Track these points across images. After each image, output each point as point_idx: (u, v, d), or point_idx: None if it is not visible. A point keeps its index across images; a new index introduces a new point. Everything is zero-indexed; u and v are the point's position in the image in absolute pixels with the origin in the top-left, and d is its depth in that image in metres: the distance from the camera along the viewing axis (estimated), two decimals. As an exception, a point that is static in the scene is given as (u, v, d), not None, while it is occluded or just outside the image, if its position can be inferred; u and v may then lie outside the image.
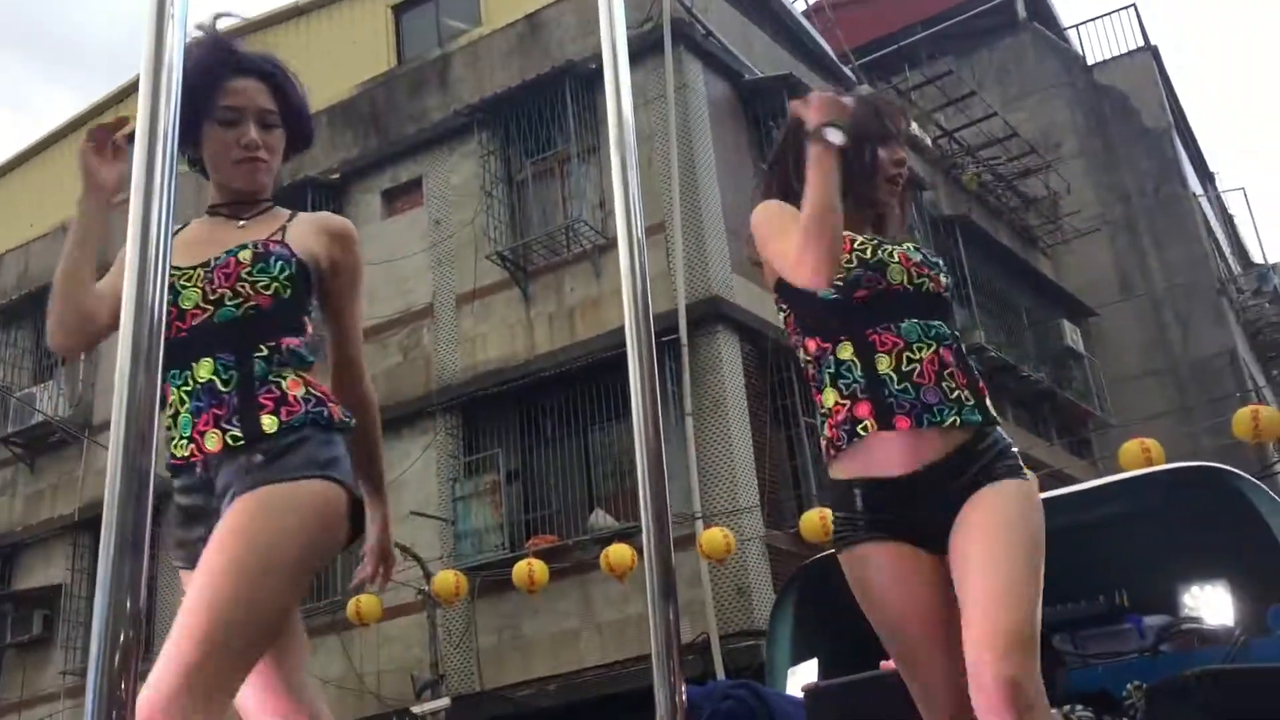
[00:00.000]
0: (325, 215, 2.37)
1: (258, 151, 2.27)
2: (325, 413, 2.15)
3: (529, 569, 9.95)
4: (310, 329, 2.26)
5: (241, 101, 2.26)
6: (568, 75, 12.11)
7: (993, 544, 2.01)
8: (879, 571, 2.14)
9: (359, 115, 14.14)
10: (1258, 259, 24.20)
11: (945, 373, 2.17)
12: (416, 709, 10.80)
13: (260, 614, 1.93)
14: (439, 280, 12.84)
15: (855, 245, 2.25)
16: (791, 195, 2.28)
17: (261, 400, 2.09)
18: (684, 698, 2.18)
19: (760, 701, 3.97)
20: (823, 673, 4.28)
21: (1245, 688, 2.99)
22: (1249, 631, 3.50)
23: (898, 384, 2.15)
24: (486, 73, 13.19)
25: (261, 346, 2.13)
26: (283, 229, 2.27)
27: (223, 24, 2.65)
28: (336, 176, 13.75)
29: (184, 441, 2.10)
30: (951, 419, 2.14)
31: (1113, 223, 19.37)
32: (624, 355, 2.31)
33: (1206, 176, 23.76)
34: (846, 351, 2.21)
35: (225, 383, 2.10)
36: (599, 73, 2.39)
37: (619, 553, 9.64)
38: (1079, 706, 3.32)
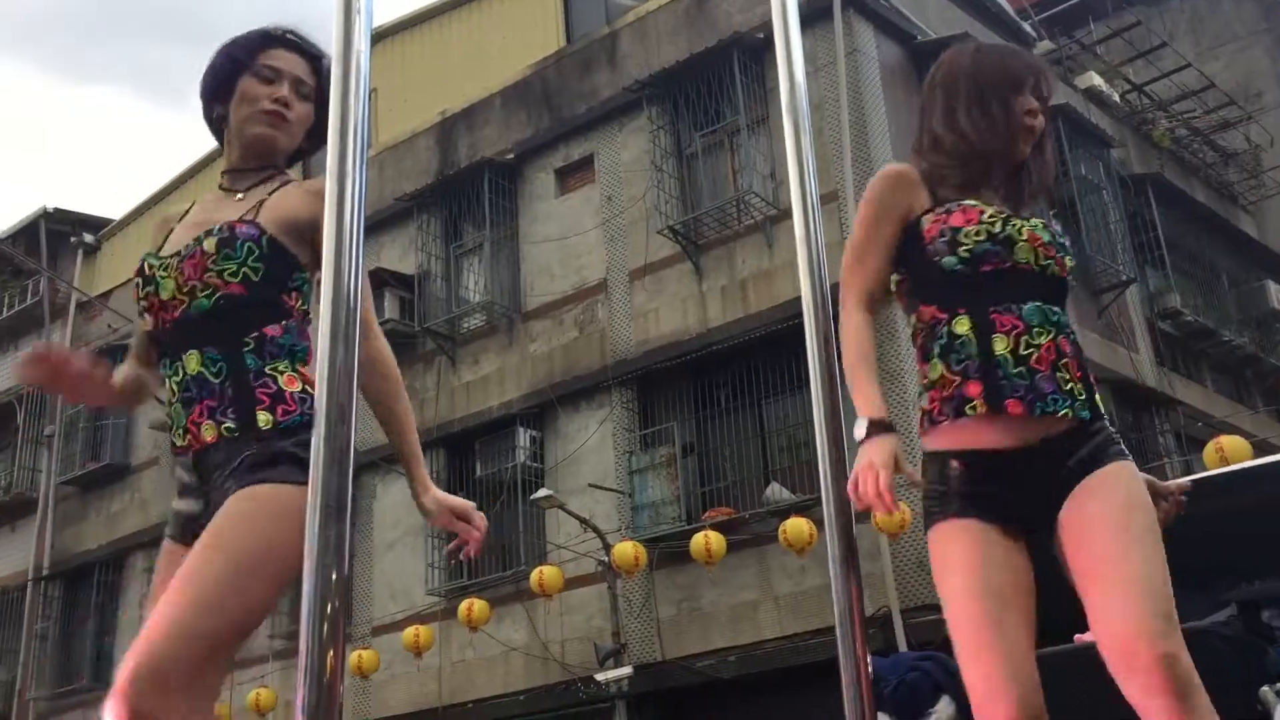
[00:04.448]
0: (313, 179, 2.22)
1: (286, 108, 2.25)
2: None
3: (706, 541, 10.00)
4: (297, 309, 2.18)
5: (283, 65, 2.27)
6: (735, 47, 12.02)
7: (1119, 531, 2.00)
8: (966, 549, 2.09)
9: (531, 96, 14.40)
10: None
11: (1061, 362, 2.12)
12: (600, 676, 11.03)
13: (235, 618, 1.92)
14: (612, 256, 12.99)
15: (984, 218, 2.18)
16: (936, 142, 2.27)
17: (258, 394, 2.06)
18: (870, 668, 2.17)
19: (949, 675, 3.87)
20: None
21: None
22: None
23: (1013, 367, 2.10)
24: (654, 48, 13.22)
25: (247, 339, 2.09)
26: (259, 204, 2.19)
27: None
28: (511, 157, 14.06)
29: (181, 431, 2.10)
30: (1065, 410, 2.09)
31: (1322, 175, 18.07)
32: (797, 327, 2.30)
33: None
34: (963, 326, 2.15)
35: (215, 375, 2.07)
36: (766, 43, 2.37)
37: (796, 527, 9.60)
38: (1291, 686, 3.14)
